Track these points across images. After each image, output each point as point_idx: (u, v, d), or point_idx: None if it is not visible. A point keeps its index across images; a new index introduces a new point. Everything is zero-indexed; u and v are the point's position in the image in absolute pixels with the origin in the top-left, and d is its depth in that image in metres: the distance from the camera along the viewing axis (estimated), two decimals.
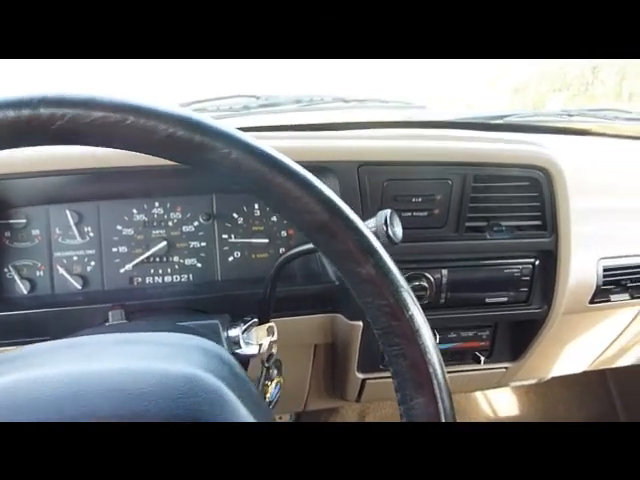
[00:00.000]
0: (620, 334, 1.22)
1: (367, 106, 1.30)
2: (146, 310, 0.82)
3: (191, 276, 0.91)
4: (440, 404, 0.42)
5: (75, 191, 0.85)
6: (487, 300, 0.93)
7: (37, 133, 0.33)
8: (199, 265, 0.91)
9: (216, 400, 0.42)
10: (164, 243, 0.88)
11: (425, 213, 0.83)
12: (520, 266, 0.91)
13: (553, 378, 1.30)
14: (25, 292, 0.82)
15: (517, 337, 1.05)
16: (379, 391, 1.09)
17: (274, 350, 0.76)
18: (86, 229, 0.86)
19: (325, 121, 1.10)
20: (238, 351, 0.71)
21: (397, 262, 0.85)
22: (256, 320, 0.75)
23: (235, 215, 0.91)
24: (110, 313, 0.74)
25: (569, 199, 0.88)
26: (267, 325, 0.74)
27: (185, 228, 0.90)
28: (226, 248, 0.91)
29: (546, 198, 0.87)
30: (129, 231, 0.88)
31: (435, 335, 0.98)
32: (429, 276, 0.88)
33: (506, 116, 1.30)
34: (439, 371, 0.43)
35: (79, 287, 0.86)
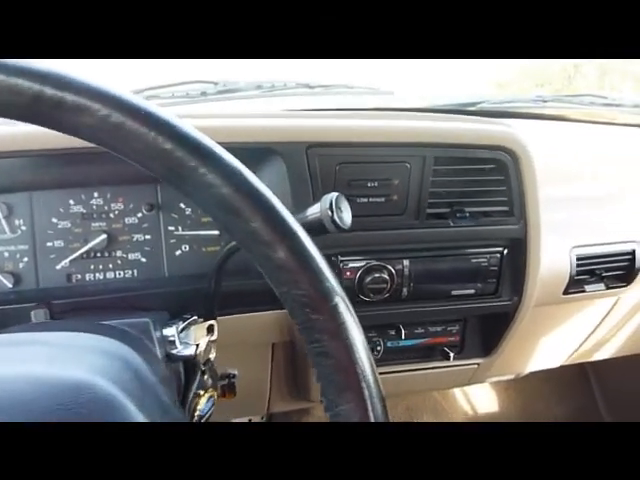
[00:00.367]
0: (597, 326, 1.17)
1: (333, 92, 1.24)
2: (83, 309, 0.75)
3: (135, 272, 0.84)
4: (370, 412, 0.36)
5: (3, 180, 0.77)
6: (453, 292, 0.87)
7: None
8: (144, 260, 0.84)
9: (106, 409, 0.36)
10: (104, 236, 0.81)
11: (382, 199, 0.77)
12: (487, 255, 0.86)
13: (532, 373, 1.25)
14: None
15: (488, 331, 1.00)
16: None
17: (212, 354, 0.70)
18: (17, 222, 0.79)
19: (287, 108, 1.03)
20: (174, 352, 0.65)
21: (354, 253, 0.79)
22: (196, 318, 0.68)
23: (182, 205, 0.84)
24: (32, 313, 0.67)
25: (537, 183, 0.82)
26: (207, 323, 0.67)
27: (127, 220, 0.83)
28: (173, 241, 0.84)
29: (513, 182, 0.81)
30: (65, 224, 0.81)
31: (400, 330, 0.93)
32: (389, 267, 0.82)
33: (478, 103, 1.25)
34: (368, 372, 0.37)
35: (10, 286, 0.79)
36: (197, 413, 0.65)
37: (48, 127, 0.33)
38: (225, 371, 0.95)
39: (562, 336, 1.14)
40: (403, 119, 0.75)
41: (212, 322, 0.68)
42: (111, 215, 0.82)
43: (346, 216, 0.63)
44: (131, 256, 0.84)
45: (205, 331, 0.67)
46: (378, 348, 0.96)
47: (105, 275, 0.83)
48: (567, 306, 1.04)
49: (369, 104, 1.21)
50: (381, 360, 0.97)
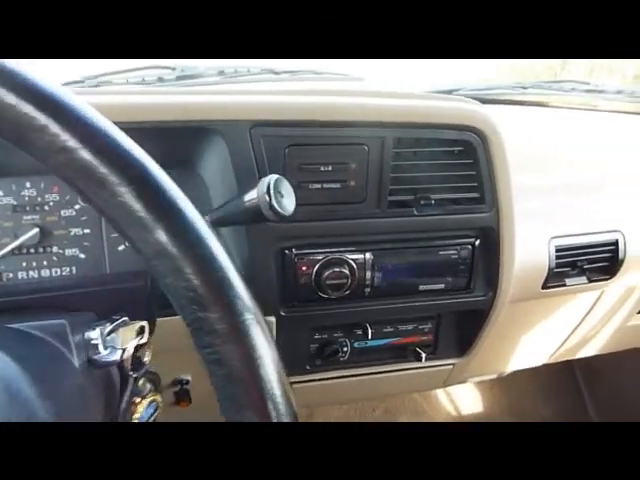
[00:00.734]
0: (581, 322, 1.11)
1: (299, 78, 1.17)
2: (15, 309, 0.68)
3: (74, 269, 0.77)
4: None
5: None
6: (421, 288, 0.80)
7: None
8: (82, 256, 0.76)
9: None
10: (35, 230, 0.73)
11: (338, 185, 0.70)
12: (457, 247, 0.79)
13: (517, 371, 1.19)
14: None
15: (463, 329, 0.93)
16: (310, 396, 0.96)
17: (147, 358, 0.62)
18: None
19: None
20: (96, 357, 0.57)
21: (310, 245, 0.72)
22: (126, 319, 0.61)
23: None
24: None
25: (510, 167, 0.75)
26: (137, 324, 0.60)
27: (64, 212, 0.75)
28: (115, 235, 0.76)
29: (482, 166, 0.74)
30: None
31: (367, 330, 0.86)
32: (350, 261, 0.75)
33: (455, 90, 1.18)
34: (275, 384, 0.30)
35: None
36: (135, 420, 0.58)
37: None
38: (178, 377, 0.88)
39: (543, 333, 1.07)
40: (360, 96, 0.68)
41: (142, 323, 0.60)
42: (45, 207, 0.75)
43: (287, 202, 0.56)
44: (68, 252, 0.76)
45: (134, 333, 0.59)
46: (344, 349, 0.89)
47: (40, 273, 0.76)
48: (547, 301, 0.98)
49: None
50: (348, 362, 0.90)
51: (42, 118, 0.27)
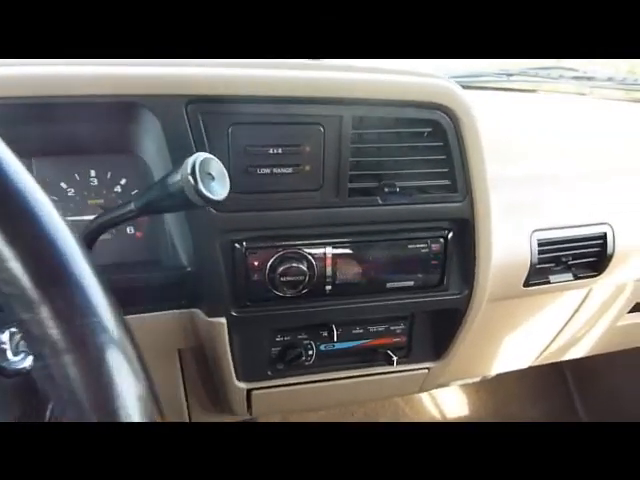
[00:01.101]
0: (567, 322, 1.04)
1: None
2: None
3: None
4: None
5: None
6: (389, 285, 0.73)
7: None
8: None
9: None
10: None
11: (290, 170, 0.62)
12: (428, 240, 0.71)
13: (503, 373, 1.11)
14: None
15: (438, 331, 0.85)
16: (274, 403, 0.89)
17: None
18: None
19: None
20: (4, 364, 0.49)
21: (262, 238, 0.63)
22: None
23: (64, 185, 0.68)
24: None
25: (483, 151, 0.68)
26: None
27: None
28: None
29: (454, 149, 0.67)
30: None
31: (332, 331, 0.78)
32: (307, 256, 0.67)
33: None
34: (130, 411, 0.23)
35: None
36: None
37: None
38: None
39: (527, 335, 1.00)
40: (313, 70, 0.60)
41: None
42: None
43: (218, 185, 0.48)
44: None
45: None
46: (309, 352, 0.81)
47: None
48: (530, 300, 0.91)
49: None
50: (314, 366, 0.82)
51: None
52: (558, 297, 0.95)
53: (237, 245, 0.66)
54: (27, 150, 0.64)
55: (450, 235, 0.72)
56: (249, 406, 0.86)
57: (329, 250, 0.68)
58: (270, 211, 0.64)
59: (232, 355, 0.75)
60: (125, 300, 0.67)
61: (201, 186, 0.46)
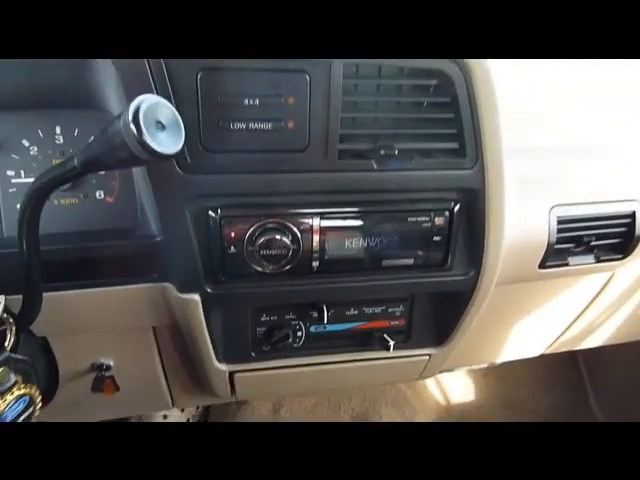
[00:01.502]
0: (585, 309, 0.95)
1: None
2: None
3: None
4: None
5: None
6: (384, 263, 0.65)
7: None
8: None
9: None
10: None
11: (269, 126, 0.53)
12: (430, 213, 0.63)
13: None
14: None
15: (441, 314, 0.77)
16: (259, 387, 0.82)
17: (10, 341, 0.48)
18: None
19: None
20: None
21: (240, 206, 0.55)
22: None
23: (25, 143, 0.61)
24: None
25: (499, 112, 0.58)
26: None
27: None
28: (13, 190, 0.62)
29: (463, 106, 0.57)
30: None
31: (322, 312, 0.71)
32: (292, 228, 0.59)
33: None
34: None
35: None
36: None
37: None
38: (96, 361, 0.74)
39: (539, 321, 0.92)
40: None
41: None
42: None
43: (169, 136, 0.40)
44: None
45: None
46: (298, 334, 0.75)
47: None
48: (544, 284, 0.82)
49: None
50: (303, 349, 0.76)
51: None
52: (576, 281, 0.86)
53: (211, 213, 0.58)
54: None
55: (456, 208, 0.63)
56: (233, 389, 0.80)
57: (316, 221, 0.60)
58: (247, 174, 0.56)
59: (210, 334, 0.68)
60: (92, 271, 0.60)
61: (146, 136, 0.37)
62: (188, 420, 1.36)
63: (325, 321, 0.72)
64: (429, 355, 0.81)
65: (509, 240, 0.68)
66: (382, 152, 0.57)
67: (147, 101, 0.38)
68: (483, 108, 0.58)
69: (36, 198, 0.48)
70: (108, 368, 0.75)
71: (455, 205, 0.63)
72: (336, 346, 0.78)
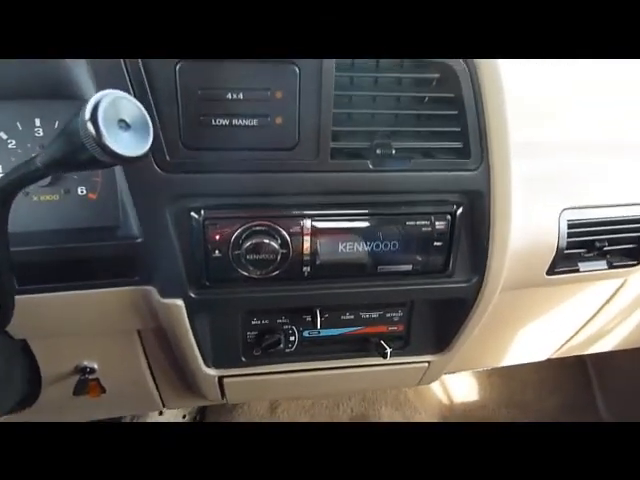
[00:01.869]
0: (594, 315, 0.90)
1: None
2: None
3: None
4: None
5: None
6: (380, 269, 0.60)
7: None
8: None
9: None
10: None
11: (254, 122, 0.49)
12: (431, 217, 0.58)
13: None
14: None
15: (442, 321, 0.73)
16: (250, 391, 0.79)
17: None
18: None
19: None
20: None
21: (225, 206, 0.51)
22: None
23: (3, 135, 0.57)
24: None
25: (507, 109, 0.54)
26: None
27: None
28: None
29: (468, 102, 0.53)
30: None
31: (316, 316, 0.67)
32: (281, 231, 0.55)
33: None
34: None
35: None
36: None
37: None
38: (80, 364, 0.71)
39: (545, 328, 0.88)
40: None
41: None
42: None
43: (134, 137, 0.36)
44: None
45: None
46: (291, 339, 0.71)
47: None
48: (552, 290, 0.77)
49: None
50: (296, 354, 0.72)
51: None
52: (586, 287, 0.82)
53: (193, 214, 0.54)
54: None
55: (459, 211, 0.59)
56: (223, 393, 0.77)
57: (307, 224, 0.56)
58: (232, 173, 0.52)
59: (197, 339, 0.65)
60: (70, 273, 0.57)
61: (106, 137, 0.33)
62: (184, 416, 1.34)
63: (319, 326, 0.68)
64: (428, 362, 0.78)
65: (515, 244, 0.64)
66: (378, 151, 0.52)
67: (108, 97, 0.34)
68: (490, 104, 0.53)
69: (15, 184, 0.44)
70: (92, 371, 0.72)
71: (457, 208, 0.59)
72: (331, 352, 0.75)
